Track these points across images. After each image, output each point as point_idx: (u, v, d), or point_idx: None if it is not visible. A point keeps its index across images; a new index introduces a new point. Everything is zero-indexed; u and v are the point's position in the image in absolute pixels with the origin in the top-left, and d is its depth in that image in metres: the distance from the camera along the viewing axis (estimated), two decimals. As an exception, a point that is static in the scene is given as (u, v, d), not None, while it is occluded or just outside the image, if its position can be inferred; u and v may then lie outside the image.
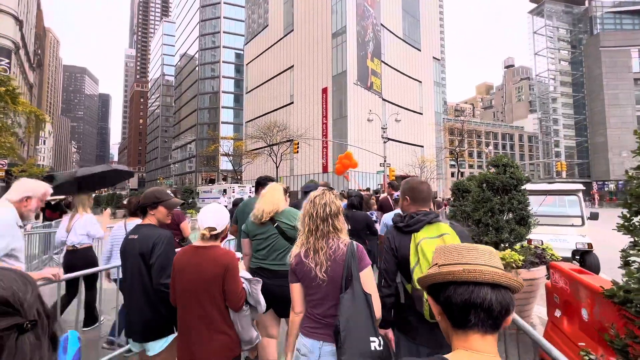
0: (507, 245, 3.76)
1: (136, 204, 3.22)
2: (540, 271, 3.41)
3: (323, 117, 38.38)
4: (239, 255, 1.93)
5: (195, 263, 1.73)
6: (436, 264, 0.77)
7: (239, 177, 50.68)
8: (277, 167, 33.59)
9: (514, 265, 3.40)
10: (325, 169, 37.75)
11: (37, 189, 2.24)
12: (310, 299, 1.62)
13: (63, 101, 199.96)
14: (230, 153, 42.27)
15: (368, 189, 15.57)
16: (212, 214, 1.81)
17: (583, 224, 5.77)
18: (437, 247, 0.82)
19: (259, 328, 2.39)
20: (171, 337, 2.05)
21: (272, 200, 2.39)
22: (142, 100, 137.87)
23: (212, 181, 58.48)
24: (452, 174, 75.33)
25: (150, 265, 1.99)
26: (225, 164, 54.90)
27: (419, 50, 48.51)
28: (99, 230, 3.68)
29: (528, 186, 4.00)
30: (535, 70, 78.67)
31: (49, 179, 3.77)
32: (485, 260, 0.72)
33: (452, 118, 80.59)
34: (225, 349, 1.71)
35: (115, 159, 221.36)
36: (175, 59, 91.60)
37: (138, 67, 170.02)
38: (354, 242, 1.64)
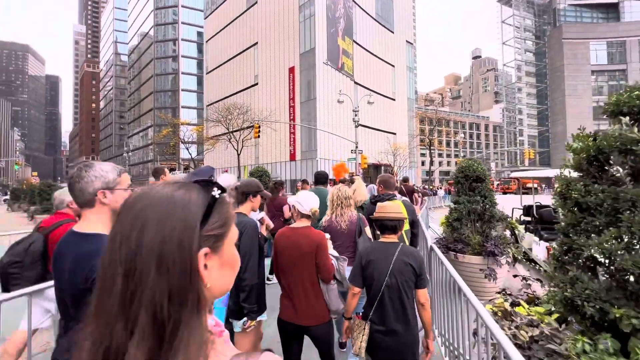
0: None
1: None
2: None
3: (290, 99, 35.13)
4: (327, 236, 2.25)
5: (294, 241, 2.09)
6: (380, 212, 2.10)
7: (200, 165, 46.36)
8: (238, 155, 30.15)
9: None
10: (292, 157, 34.80)
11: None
12: (335, 245, 2.63)
13: (1, 82, 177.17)
14: (185, 139, 37.85)
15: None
16: (312, 198, 2.21)
17: None
18: (380, 205, 2.17)
19: None
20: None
21: (364, 192, 3.87)
22: (94, 82, 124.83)
23: (172, 170, 53.57)
24: (423, 163, 75.35)
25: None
26: (185, 152, 50.17)
27: (392, 32, 46.24)
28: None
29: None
30: (503, 60, 79.93)
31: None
32: (393, 211, 2.07)
33: (422, 107, 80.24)
34: (318, 314, 2.04)
35: (68, 147, 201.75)
36: (129, 35, 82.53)
37: (89, 46, 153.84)
38: (360, 213, 2.89)
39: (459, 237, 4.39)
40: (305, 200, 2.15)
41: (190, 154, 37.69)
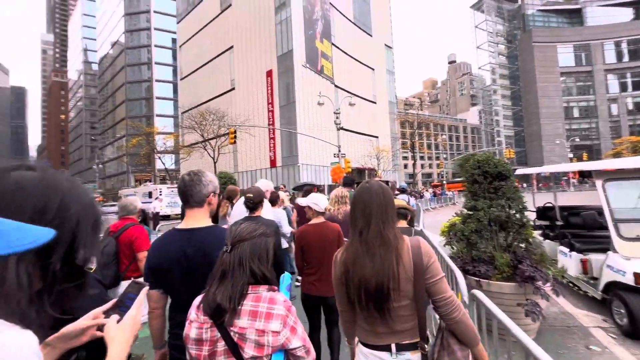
0: None
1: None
2: None
3: (269, 103, 33.82)
4: None
5: (320, 232, 2.62)
6: None
7: (177, 175, 44.07)
8: (215, 163, 28.44)
9: None
10: (273, 164, 33.36)
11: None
12: None
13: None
14: (159, 149, 35.66)
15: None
16: (324, 199, 2.73)
17: None
18: None
19: None
20: None
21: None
22: (62, 92, 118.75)
23: (146, 181, 50.69)
24: (405, 166, 75.54)
25: None
26: (162, 162, 47.62)
27: (371, 35, 46.08)
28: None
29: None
30: (477, 63, 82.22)
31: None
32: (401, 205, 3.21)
33: (402, 111, 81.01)
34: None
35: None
36: (98, 42, 78.98)
37: (57, 55, 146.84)
38: None
39: (479, 255, 3.23)
40: (320, 202, 2.68)
41: (164, 164, 35.47)
